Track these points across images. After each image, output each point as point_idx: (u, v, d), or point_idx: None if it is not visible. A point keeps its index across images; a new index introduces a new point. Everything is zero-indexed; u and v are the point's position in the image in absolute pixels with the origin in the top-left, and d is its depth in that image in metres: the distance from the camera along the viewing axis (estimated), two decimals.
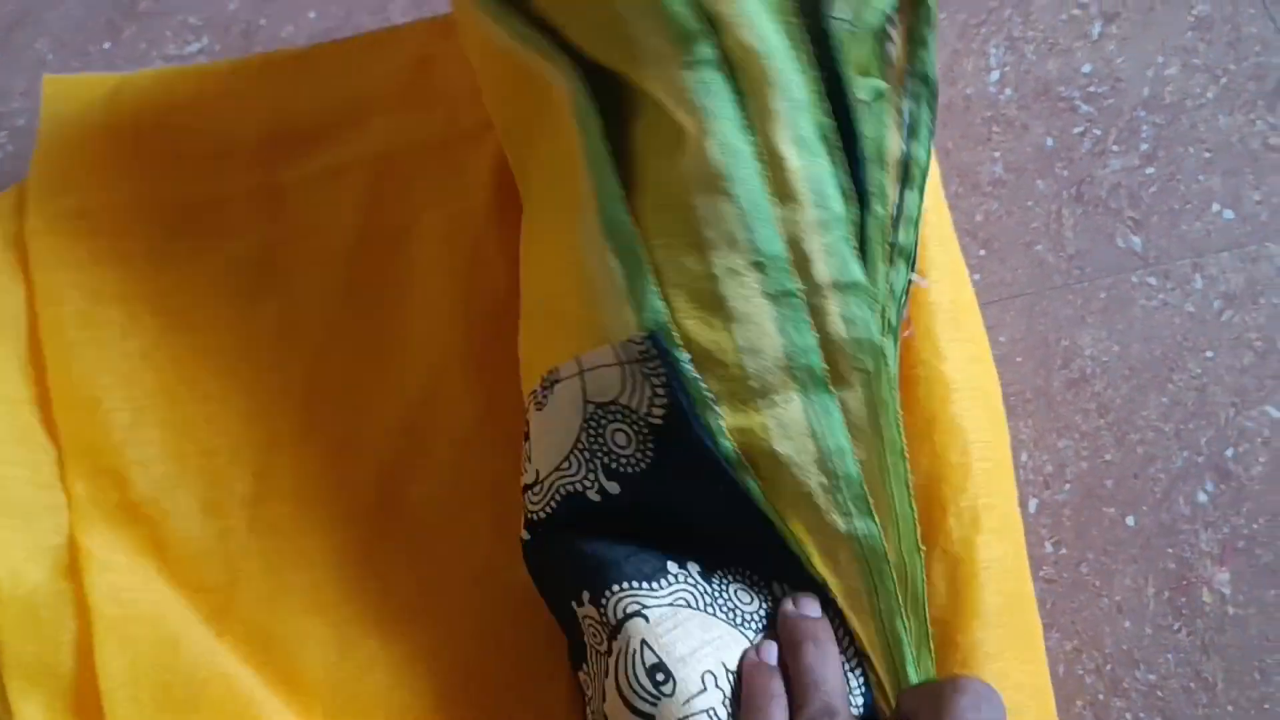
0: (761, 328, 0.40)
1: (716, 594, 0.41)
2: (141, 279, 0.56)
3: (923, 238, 0.50)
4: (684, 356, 0.40)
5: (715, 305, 0.40)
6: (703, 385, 0.40)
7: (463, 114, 0.58)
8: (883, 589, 0.41)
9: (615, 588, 0.40)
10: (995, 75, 0.62)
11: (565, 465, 0.42)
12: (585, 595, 0.41)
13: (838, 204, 0.41)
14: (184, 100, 0.59)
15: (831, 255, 0.41)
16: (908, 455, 0.45)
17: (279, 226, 0.57)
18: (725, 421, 0.40)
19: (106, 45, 0.67)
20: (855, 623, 0.41)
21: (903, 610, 0.41)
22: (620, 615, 0.40)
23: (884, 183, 0.44)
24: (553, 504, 0.43)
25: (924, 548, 0.43)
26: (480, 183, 0.57)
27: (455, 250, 0.56)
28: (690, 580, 0.41)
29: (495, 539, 0.51)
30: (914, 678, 0.41)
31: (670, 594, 0.40)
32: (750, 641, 0.40)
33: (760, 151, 0.41)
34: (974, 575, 0.45)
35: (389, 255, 0.57)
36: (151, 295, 0.56)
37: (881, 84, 0.45)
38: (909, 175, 0.46)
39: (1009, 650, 0.44)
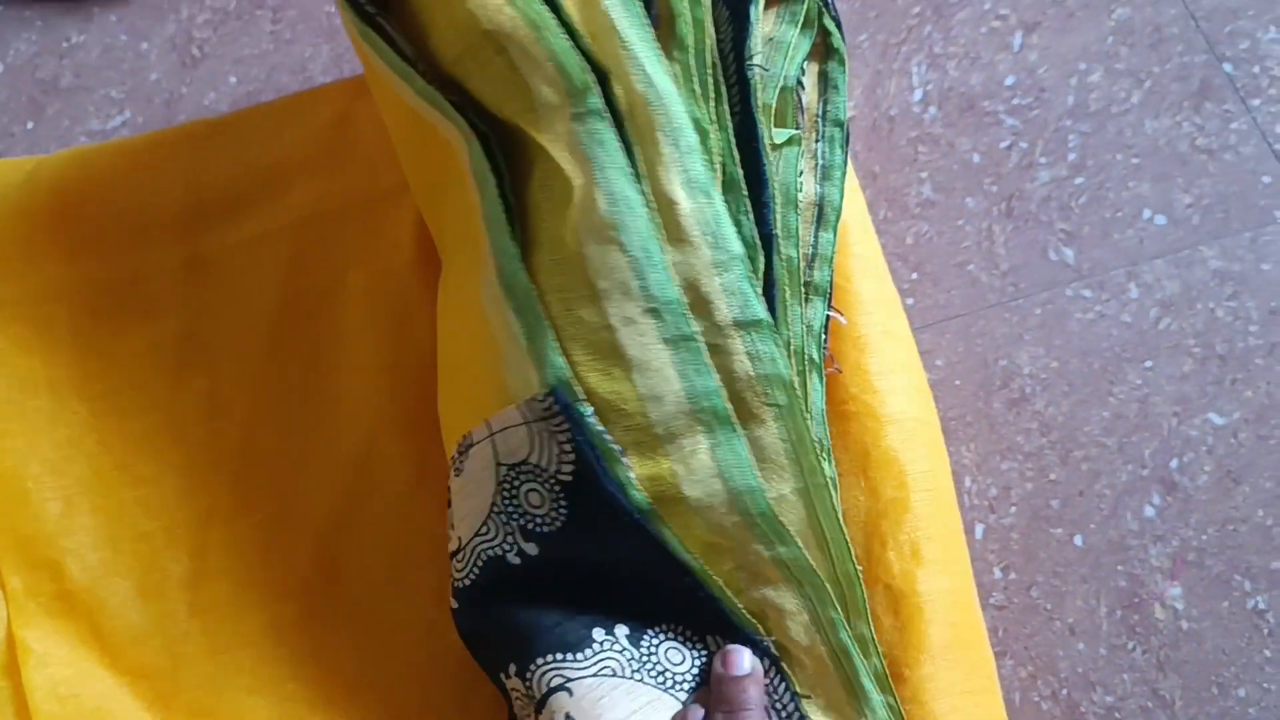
0: (662, 373, 0.40)
1: (645, 657, 0.40)
2: (68, 364, 0.55)
3: (850, 271, 0.49)
4: (587, 410, 0.39)
5: (614, 355, 0.40)
6: (608, 437, 0.40)
7: (382, 173, 0.58)
8: (820, 603, 0.40)
9: (539, 660, 0.40)
10: (919, 94, 0.61)
11: (484, 530, 0.42)
12: (511, 667, 0.41)
13: (735, 244, 0.41)
14: (101, 178, 0.59)
15: (731, 294, 0.40)
16: (839, 486, 0.44)
17: (203, 299, 0.57)
18: (634, 472, 0.40)
19: (30, 125, 0.67)
20: (796, 654, 0.41)
21: (845, 623, 0.40)
22: (544, 689, 0.39)
23: (796, 224, 0.44)
24: (475, 570, 0.42)
25: (861, 569, 0.42)
26: (402, 241, 0.56)
27: (380, 310, 0.56)
28: (617, 646, 0.40)
29: (437, 603, 0.50)
30: (869, 688, 0.40)
31: (595, 663, 0.39)
32: (680, 704, 0.40)
33: (650, 198, 0.40)
34: (919, 609, 0.44)
35: (315, 319, 0.56)
36: (78, 380, 0.55)
37: (795, 130, 0.45)
38: (823, 216, 0.46)
39: (960, 684, 0.44)
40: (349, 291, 0.56)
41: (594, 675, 0.39)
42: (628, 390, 0.40)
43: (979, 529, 0.53)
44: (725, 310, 0.40)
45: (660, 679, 0.40)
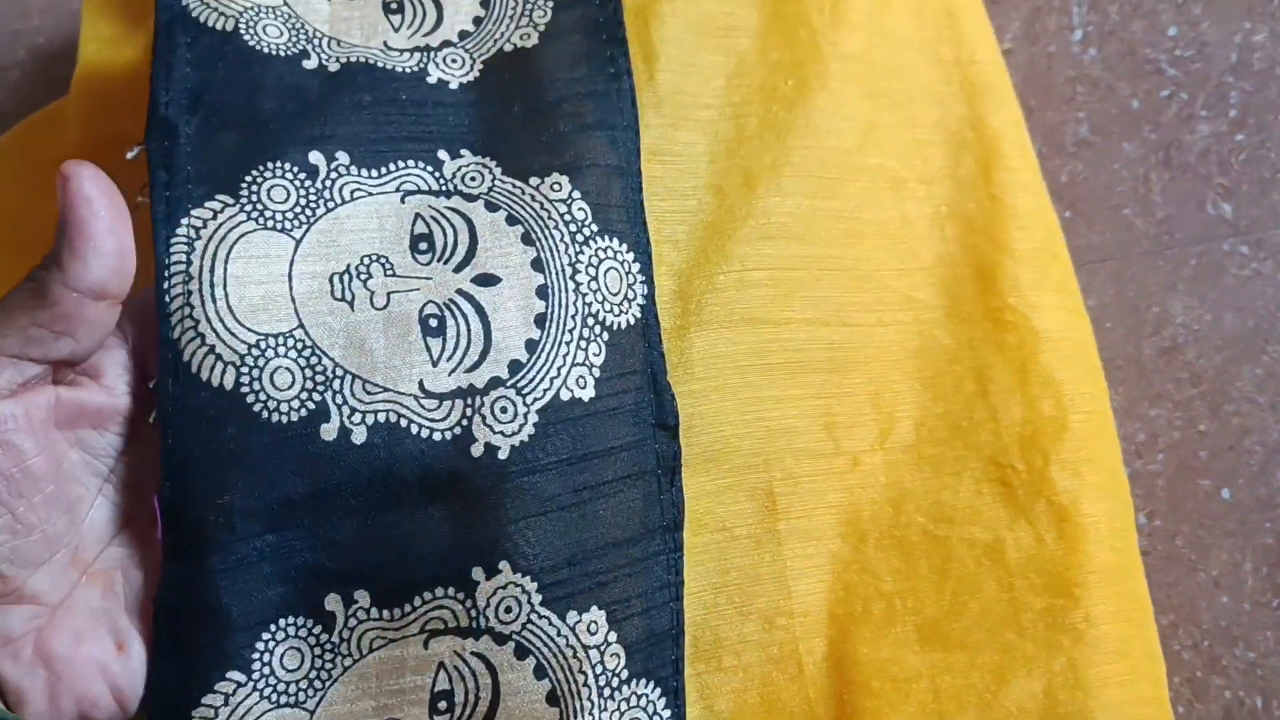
0: None
1: None
2: None
3: (1004, 184, 0.47)
4: None
5: None
6: None
7: None
8: None
9: None
10: (1079, 34, 0.60)
11: None
12: None
13: None
14: None
15: None
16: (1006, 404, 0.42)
17: None
18: None
19: None
20: None
21: None
22: None
23: None
24: None
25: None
26: None
27: None
28: None
29: None
30: None
31: None
32: None
33: None
34: (1082, 530, 0.42)
35: None
36: None
37: None
38: None
39: (1125, 614, 0.42)
40: None
41: None
42: None
43: (1125, 472, 0.51)
44: None
45: None
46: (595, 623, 0.35)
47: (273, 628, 0.33)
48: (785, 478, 0.40)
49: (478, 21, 0.42)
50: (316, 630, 0.33)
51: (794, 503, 0.40)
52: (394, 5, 0.41)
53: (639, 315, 0.39)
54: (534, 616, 0.34)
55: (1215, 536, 0.50)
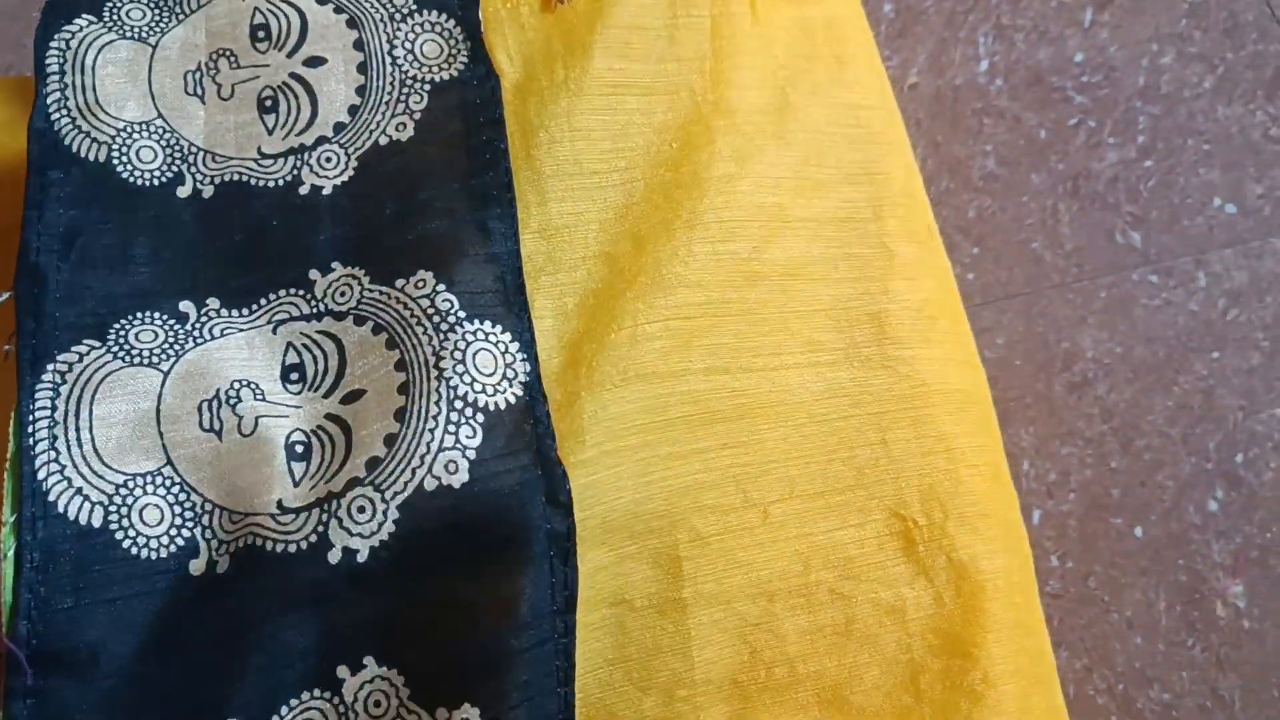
0: None
1: None
2: None
3: (893, 232, 0.46)
4: None
5: None
6: None
7: None
8: None
9: None
10: (984, 65, 0.59)
11: None
12: None
13: None
14: None
15: None
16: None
17: None
18: None
19: None
20: None
21: None
22: None
23: None
24: None
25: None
26: None
27: None
28: None
29: None
30: None
31: None
32: None
33: None
34: (980, 588, 0.42)
35: None
36: None
37: None
38: None
39: (1025, 671, 0.42)
40: None
41: None
42: None
43: (1036, 514, 0.51)
44: None
45: None
46: (466, 719, 0.35)
47: None
48: (692, 539, 0.40)
49: (353, 111, 0.42)
50: None
51: (701, 566, 0.40)
52: (269, 102, 0.41)
53: (520, 394, 0.38)
54: (403, 712, 0.34)
55: (1128, 576, 0.49)
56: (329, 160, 0.41)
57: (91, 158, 0.38)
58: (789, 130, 0.48)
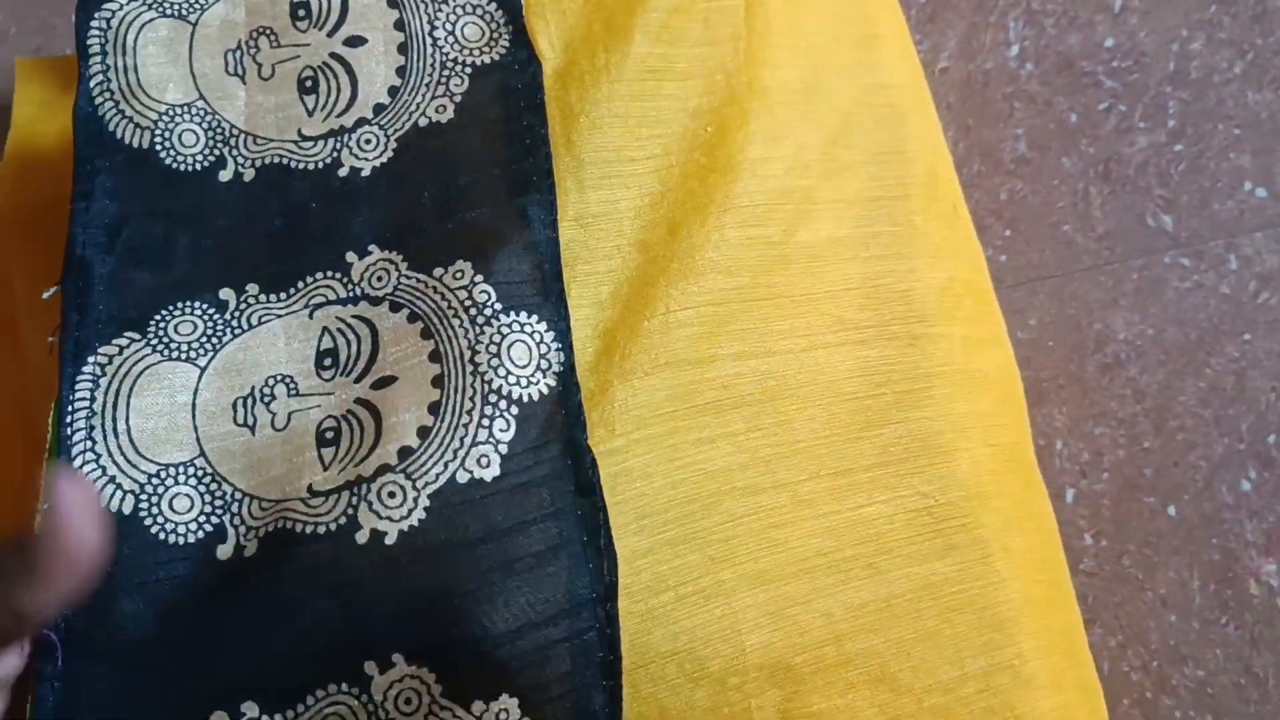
0: None
1: None
2: None
3: (920, 210, 0.47)
4: None
5: None
6: None
7: None
8: None
9: None
10: (1015, 49, 0.60)
11: None
12: None
13: None
14: None
15: None
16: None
17: None
18: None
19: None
20: None
21: None
22: None
23: None
24: None
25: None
26: None
27: None
28: None
29: None
30: None
31: None
32: None
33: None
34: (1004, 565, 0.42)
35: None
36: None
37: None
38: None
39: (1055, 647, 0.42)
40: None
41: None
42: None
43: (1070, 493, 0.51)
44: None
45: None
46: (505, 710, 0.34)
47: None
48: (724, 521, 0.40)
49: (393, 92, 0.42)
50: None
51: (737, 548, 0.40)
52: (309, 83, 0.41)
53: (554, 384, 0.38)
54: (435, 709, 0.34)
55: (1162, 554, 0.50)
56: (368, 142, 0.41)
57: (135, 144, 0.38)
58: (819, 110, 0.49)
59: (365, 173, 0.40)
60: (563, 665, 0.35)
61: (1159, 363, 0.53)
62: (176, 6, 0.39)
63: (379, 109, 0.41)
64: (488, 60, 0.42)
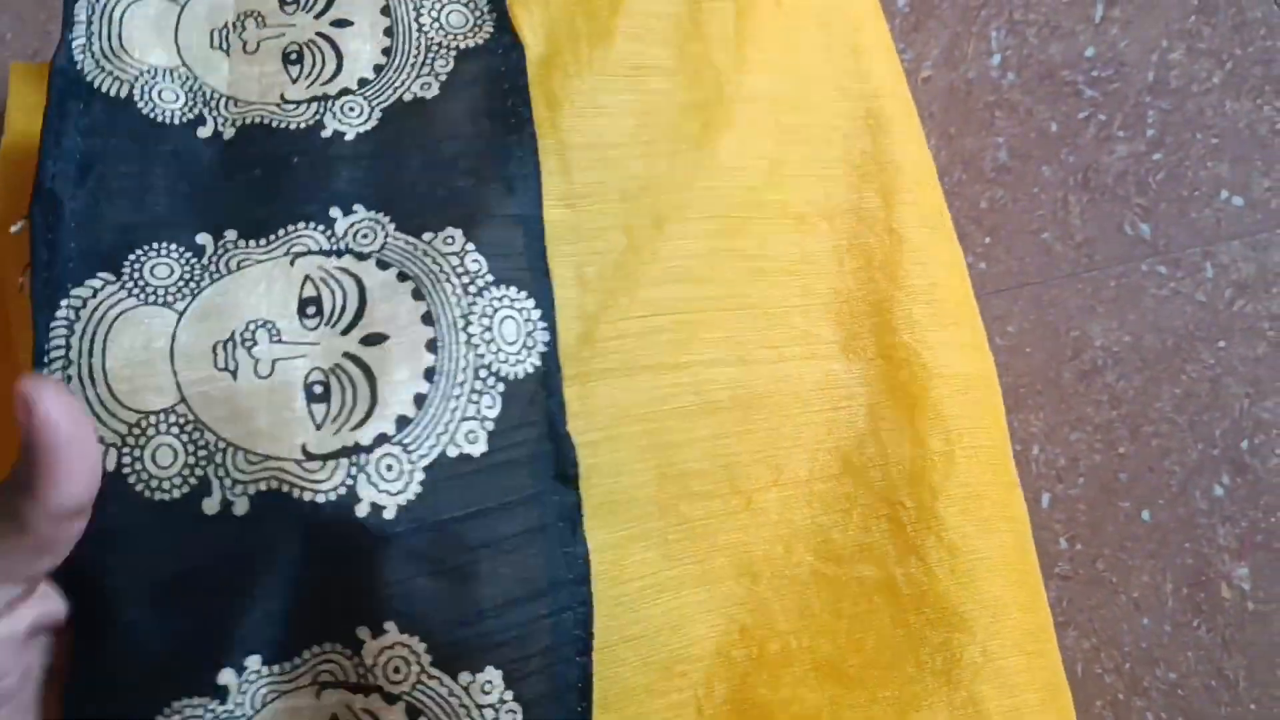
0: None
1: None
2: None
3: (904, 218, 0.47)
4: None
5: None
6: None
7: None
8: None
9: None
10: (997, 59, 0.60)
11: None
12: None
13: None
14: None
15: None
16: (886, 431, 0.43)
17: None
18: None
19: None
20: None
21: None
22: None
23: None
24: None
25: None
26: None
27: None
28: None
29: None
30: None
31: None
32: None
33: None
34: (973, 565, 0.42)
35: None
36: None
37: None
38: None
39: (1023, 646, 0.43)
40: None
41: None
42: None
43: (1046, 498, 0.52)
44: None
45: None
46: (490, 682, 0.35)
47: (167, 710, 0.33)
48: (679, 523, 0.41)
49: (378, 69, 0.42)
50: (213, 706, 0.34)
51: (686, 547, 0.41)
52: (293, 55, 0.41)
53: (539, 363, 0.39)
54: (424, 678, 0.34)
55: (1136, 559, 0.50)
56: (352, 109, 0.41)
57: (113, 93, 0.38)
58: (805, 123, 0.49)
59: (349, 137, 0.40)
60: (543, 640, 0.37)
61: (1135, 369, 0.54)
62: None
63: (363, 83, 0.42)
64: (472, 44, 0.43)
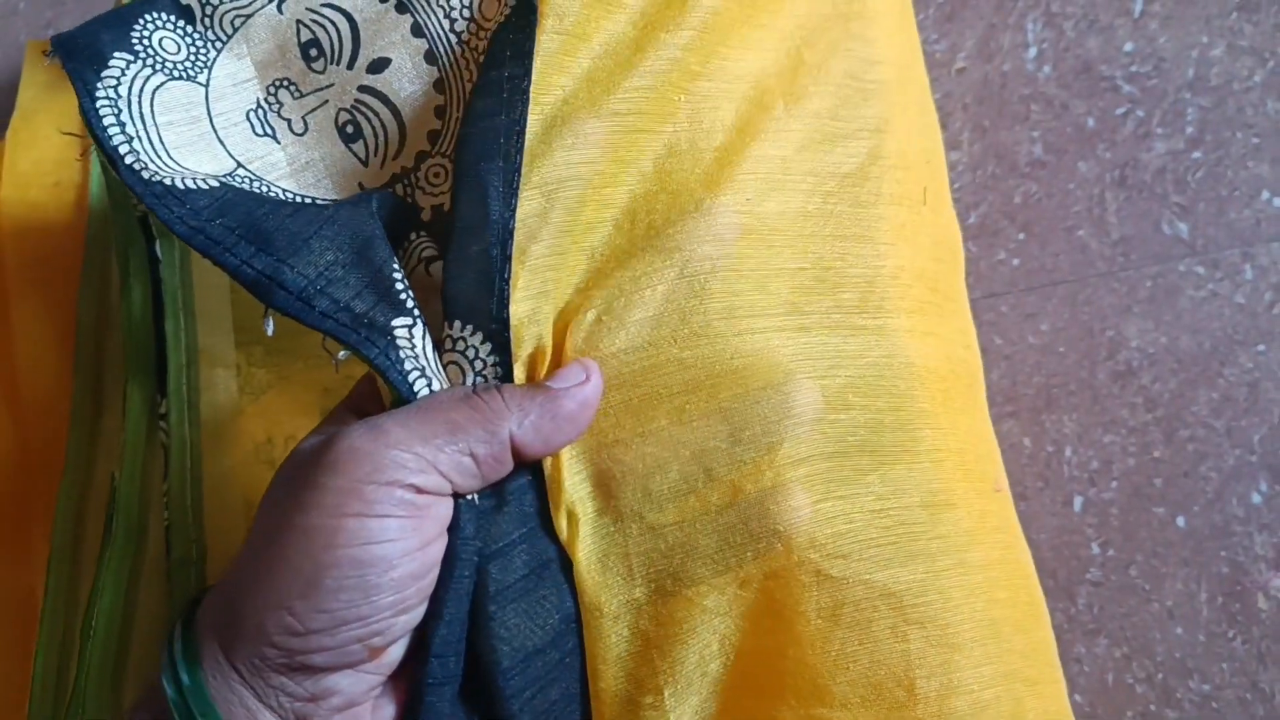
0: None
1: None
2: None
3: (883, 194, 0.44)
4: None
5: None
6: None
7: None
8: None
9: None
10: (1033, 51, 0.59)
11: None
12: None
13: None
14: None
15: None
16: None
17: None
18: None
19: None
20: None
21: None
22: None
23: None
24: None
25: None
26: None
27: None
28: None
29: None
30: None
31: None
32: None
33: None
34: (954, 583, 0.38)
35: None
36: None
37: None
38: None
39: (1016, 673, 0.39)
40: None
41: None
42: None
43: (1078, 501, 0.50)
44: None
45: None
46: None
47: None
48: (662, 526, 0.38)
49: (439, 112, 0.40)
50: None
51: (648, 565, 0.38)
52: (349, 128, 0.39)
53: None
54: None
55: (1169, 566, 0.49)
56: (437, 175, 0.39)
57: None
58: (799, 87, 0.45)
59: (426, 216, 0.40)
60: (558, 690, 0.36)
61: (1171, 371, 0.52)
62: (180, 67, 0.36)
63: (433, 135, 0.39)
64: (496, 24, 0.40)
